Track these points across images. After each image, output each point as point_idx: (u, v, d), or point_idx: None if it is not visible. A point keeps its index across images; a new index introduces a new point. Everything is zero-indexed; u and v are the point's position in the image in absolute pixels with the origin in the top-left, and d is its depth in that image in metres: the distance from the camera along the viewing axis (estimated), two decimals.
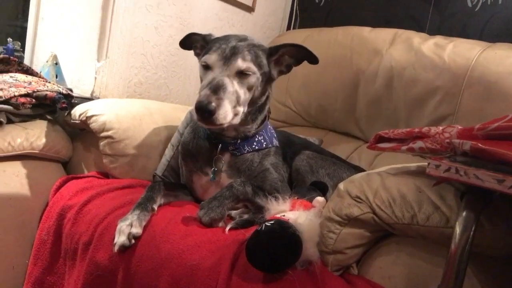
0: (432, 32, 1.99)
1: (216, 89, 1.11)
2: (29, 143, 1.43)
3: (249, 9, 2.32)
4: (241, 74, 1.17)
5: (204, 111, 1.08)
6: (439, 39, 1.78)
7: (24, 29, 2.29)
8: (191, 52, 1.39)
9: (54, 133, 1.51)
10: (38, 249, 1.36)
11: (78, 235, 1.25)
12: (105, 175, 1.52)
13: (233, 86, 1.15)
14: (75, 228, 1.27)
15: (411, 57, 1.76)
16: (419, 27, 2.08)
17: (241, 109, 1.18)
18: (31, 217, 1.41)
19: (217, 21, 2.14)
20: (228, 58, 1.17)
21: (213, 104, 1.08)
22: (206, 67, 1.20)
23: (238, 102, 1.16)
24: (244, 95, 1.18)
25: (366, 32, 1.97)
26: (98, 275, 1.15)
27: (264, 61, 1.24)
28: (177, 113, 1.67)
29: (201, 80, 1.23)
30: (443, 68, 1.67)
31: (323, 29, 2.15)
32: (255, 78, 1.20)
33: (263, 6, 2.38)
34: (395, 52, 1.82)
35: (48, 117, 1.54)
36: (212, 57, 1.18)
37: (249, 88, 1.19)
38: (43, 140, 1.46)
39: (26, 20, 2.05)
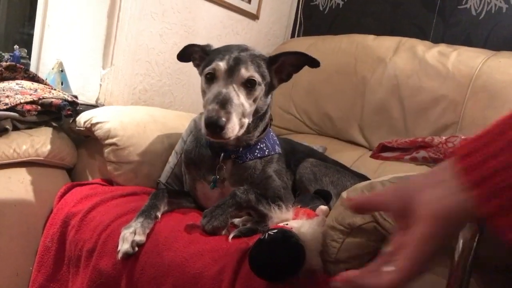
0: (436, 40, 1.99)
1: (224, 103, 1.11)
2: (34, 149, 1.44)
3: (254, 16, 2.33)
4: (246, 86, 1.17)
5: (215, 127, 1.08)
6: (443, 47, 1.78)
7: (30, 36, 2.32)
8: None
9: (59, 140, 1.51)
10: (42, 256, 1.36)
11: (82, 242, 1.25)
12: (109, 182, 1.52)
13: (239, 99, 1.15)
14: (79, 235, 1.27)
15: (415, 65, 1.77)
16: (423, 35, 2.09)
17: (246, 121, 1.18)
18: (36, 223, 1.42)
19: (222, 28, 2.15)
20: (232, 69, 1.17)
21: (223, 119, 1.08)
22: (210, 79, 1.19)
23: (243, 114, 1.16)
24: (250, 107, 1.18)
25: (370, 40, 1.98)
26: (102, 283, 1.15)
27: (266, 70, 1.24)
28: (181, 121, 1.67)
29: (203, 92, 1.22)
30: (447, 77, 1.67)
31: (327, 37, 2.16)
32: (259, 89, 1.20)
33: (268, 13, 2.39)
34: (399, 60, 1.82)
35: (54, 124, 1.54)
36: (215, 69, 1.18)
37: (254, 100, 1.20)
38: (48, 147, 1.47)
39: (33, 27, 2.08)
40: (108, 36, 1.71)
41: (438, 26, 2.08)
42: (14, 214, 1.37)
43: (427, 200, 0.47)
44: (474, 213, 0.45)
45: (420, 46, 1.82)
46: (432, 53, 1.76)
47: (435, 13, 2.08)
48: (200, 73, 1.27)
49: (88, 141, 1.60)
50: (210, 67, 1.19)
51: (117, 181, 1.49)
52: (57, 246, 1.33)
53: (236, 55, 1.19)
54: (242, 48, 1.24)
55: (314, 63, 1.26)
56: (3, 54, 2.43)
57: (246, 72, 1.17)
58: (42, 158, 1.46)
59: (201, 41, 2.02)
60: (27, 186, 1.43)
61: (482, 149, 0.45)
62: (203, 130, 1.12)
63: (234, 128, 1.12)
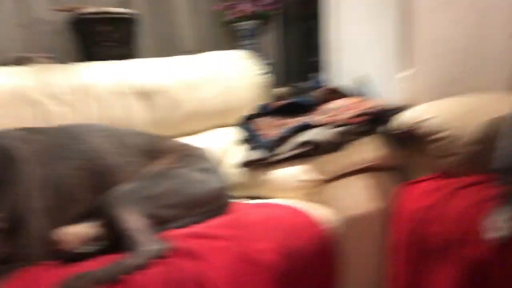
0: None
1: None
2: (366, 156, 1.61)
3: None
4: None
5: None
6: None
7: (310, 63, 2.67)
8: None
9: (383, 144, 1.65)
10: (394, 251, 1.48)
11: (437, 235, 1.31)
12: (439, 176, 1.55)
13: None
14: (430, 229, 1.34)
15: None
16: None
17: None
18: (381, 221, 1.56)
19: None
20: None
21: None
22: None
23: None
24: None
25: None
26: (473, 271, 1.18)
27: None
28: (495, 102, 1.59)
29: None
30: None
31: None
32: None
33: None
34: None
35: (374, 131, 1.69)
36: None
37: None
38: (376, 152, 1.63)
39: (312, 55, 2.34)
40: (402, 39, 1.77)
41: None
42: (366, 216, 1.55)
43: None
44: None
45: None
46: None
47: None
48: None
49: (406, 141, 1.67)
50: None
51: (451, 174, 1.51)
52: (407, 241, 1.43)
53: None
54: None
55: None
56: (297, 84, 2.82)
57: None
58: (373, 163, 1.62)
59: (493, 19, 1.87)
60: (367, 189, 1.59)
61: None
62: None
63: None
